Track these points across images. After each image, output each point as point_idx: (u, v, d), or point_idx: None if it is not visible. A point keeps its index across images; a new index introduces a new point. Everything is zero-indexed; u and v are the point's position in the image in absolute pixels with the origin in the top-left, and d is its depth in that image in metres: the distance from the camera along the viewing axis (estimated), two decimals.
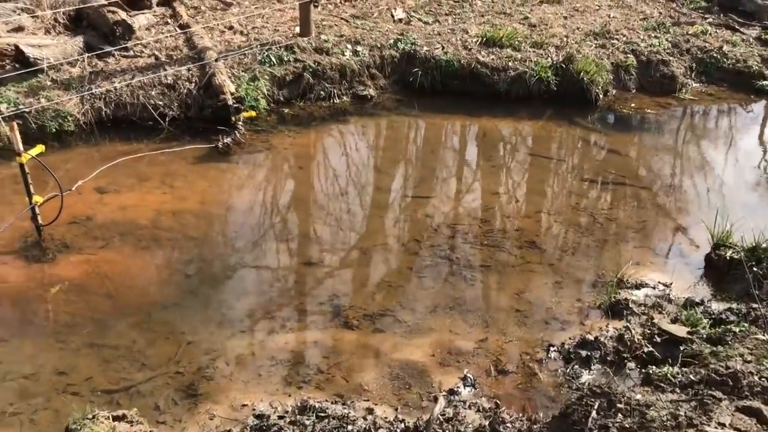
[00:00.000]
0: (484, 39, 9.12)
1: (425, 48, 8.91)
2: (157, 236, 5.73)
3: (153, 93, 7.51)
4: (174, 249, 5.61)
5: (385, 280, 5.29)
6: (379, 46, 8.92)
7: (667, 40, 9.77)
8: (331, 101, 8.37)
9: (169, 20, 8.89)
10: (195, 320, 4.82)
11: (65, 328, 4.67)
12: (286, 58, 8.33)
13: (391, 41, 9.01)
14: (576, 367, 4.49)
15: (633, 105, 8.85)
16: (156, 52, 8.04)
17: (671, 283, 5.33)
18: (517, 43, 9.11)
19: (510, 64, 8.75)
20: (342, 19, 9.62)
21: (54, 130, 7.03)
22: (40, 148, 5.42)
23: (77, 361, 4.37)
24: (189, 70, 7.73)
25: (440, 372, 4.41)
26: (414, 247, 5.75)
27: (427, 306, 5.02)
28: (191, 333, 4.69)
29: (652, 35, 9.91)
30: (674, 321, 4.81)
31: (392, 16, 9.90)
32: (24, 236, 5.57)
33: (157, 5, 9.08)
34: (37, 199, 5.41)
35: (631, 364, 4.49)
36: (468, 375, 4.36)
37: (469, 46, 9.01)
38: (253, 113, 7.62)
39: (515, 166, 7.42)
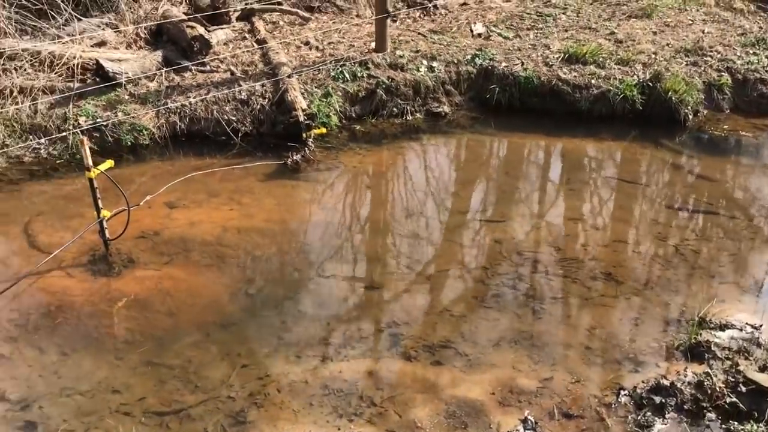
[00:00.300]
0: (567, 55, 8.76)
1: (504, 64, 8.64)
2: (222, 253, 5.71)
3: (227, 108, 7.57)
4: (237, 267, 5.56)
5: (447, 309, 5.06)
6: (455, 61, 8.71)
7: (767, 57, 9.12)
8: (404, 118, 8.22)
9: (247, 35, 8.97)
10: (251, 342, 4.73)
11: (124, 345, 4.67)
12: (359, 74, 8.24)
13: (469, 57, 8.79)
14: (648, 414, 4.12)
15: (726, 126, 8.29)
16: (232, 68, 8.11)
17: (761, 326, 4.86)
18: (601, 59, 8.70)
19: (593, 81, 8.37)
20: (419, 34, 9.47)
21: (129, 143, 7.17)
22: (109, 163, 5.49)
23: (133, 380, 4.35)
24: (263, 85, 7.75)
25: (499, 412, 4.14)
26: (481, 274, 5.49)
27: (490, 339, 4.75)
28: (246, 355, 4.60)
29: (750, 52, 9.27)
30: (763, 369, 4.36)
31: (471, 30, 9.68)
32: (92, 250, 5.66)
33: (237, 20, 9.21)
34: (105, 213, 5.48)
35: (711, 416, 4.09)
36: (529, 417, 4.07)
37: (550, 63, 8.67)
38: (323, 130, 7.56)
39: (595, 190, 7.04)
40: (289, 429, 3.97)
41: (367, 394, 4.24)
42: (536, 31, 9.81)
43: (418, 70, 8.46)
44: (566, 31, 9.84)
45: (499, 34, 9.63)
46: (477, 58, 8.73)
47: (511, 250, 5.82)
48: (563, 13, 10.46)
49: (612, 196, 6.85)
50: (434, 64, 8.61)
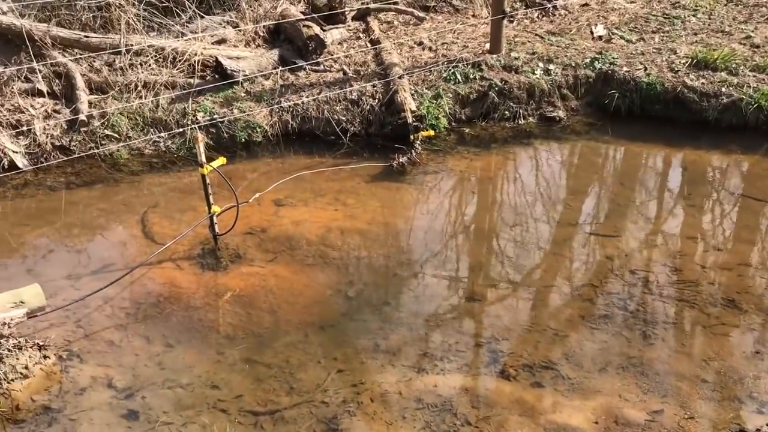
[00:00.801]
0: (695, 60, 8.20)
1: (625, 68, 8.21)
2: (324, 254, 5.73)
3: (337, 108, 7.61)
4: (338, 268, 5.56)
5: (551, 327, 4.83)
6: (573, 64, 8.36)
7: None
8: (516, 122, 7.98)
9: (361, 35, 9.00)
10: (348, 346, 4.71)
11: (226, 341, 4.77)
12: (472, 76, 8.07)
13: (588, 60, 8.41)
14: None
15: None
16: (345, 67, 8.15)
17: None
18: (734, 66, 8.09)
19: (723, 89, 7.78)
20: (536, 35, 9.17)
21: (243, 140, 7.35)
22: (221, 160, 5.63)
23: (231, 377, 4.42)
24: (374, 86, 7.74)
25: None
26: (589, 292, 5.22)
27: (596, 363, 4.49)
28: (343, 360, 4.58)
29: None
30: None
31: (591, 32, 9.26)
32: (202, 243, 5.83)
33: (352, 20, 9.25)
34: (216, 209, 5.62)
35: None
36: None
37: (676, 68, 8.15)
38: (431, 132, 7.45)
39: (720, 207, 6.54)
40: None
41: (461, 411, 4.10)
42: (662, 35, 9.26)
43: (534, 73, 8.18)
44: (695, 34, 9.22)
45: (622, 37, 9.16)
46: (596, 62, 8.35)
47: (623, 267, 5.50)
48: (693, 15, 9.82)
49: (739, 215, 6.35)
50: (551, 66, 8.30)
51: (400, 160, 6.99)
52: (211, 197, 5.58)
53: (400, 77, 7.69)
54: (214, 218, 5.67)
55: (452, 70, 8.07)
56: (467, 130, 7.79)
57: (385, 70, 7.95)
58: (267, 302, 5.17)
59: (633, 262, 5.58)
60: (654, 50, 8.69)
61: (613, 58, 8.42)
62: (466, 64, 8.17)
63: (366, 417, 4.08)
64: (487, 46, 8.53)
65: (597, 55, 8.49)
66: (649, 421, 4.02)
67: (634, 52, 8.63)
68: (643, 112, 8.05)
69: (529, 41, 8.91)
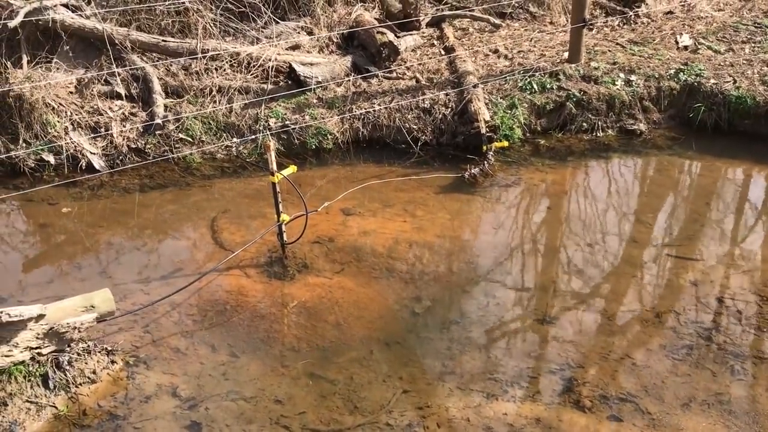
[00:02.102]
0: None
1: (712, 80, 7.81)
2: (392, 267, 5.60)
3: (409, 116, 7.48)
4: (406, 283, 5.43)
5: (629, 356, 4.56)
6: (656, 76, 8.01)
7: None
8: (594, 134, 7.68)
9: (435, 42, 8.86)
10: (414, 366, 4.56)
11: (290, 353, 4.69)
12: (549, 86, 7.82)
13: (672, 71, 8.04)
14: None
15: None
16: (417, 75, 8.02)
17: None
18: None
19: None
20: (617, 44, 8.83)
21: (314, 146, 7.32)
22: (292, 169, 5.58)
23: (295, 391, 4.34)
24: (447, 94, 7.58)
25: None
26: (670, 320, 4.91)
27: (678, 397, 4.20)
28: (408, 380, 4.43)
29: None
30: None
31: (676, 42, 8.86)
32: (270, 251, 5.79)
33: (426, 26, 9.12)
34: (284, 217, 5.57)
35: None
36: None
37: None
38: (505, 143, 7.24)
39: None
40: None
41: None
42: (753, 45, 8.78)
43: (614, 84, 7.86)
44: None
45: (709, 47, 8.72)
46: (681, 73, 7.97)
47: (709, 294, 5.17)
48: None
49: None
50: (632, 77, 7.96)
51: (472, 171, 6.81)
52: (280, 205, 5.54)
53: (474, 86, 7.51)
54: (283, 227, 5.62)
55: (528, 80, 7.84)
56: (542, 142, 7.55)
57: (459, 78, 7.78)
58: (332, 315, 5.07)
59: (719, 288, 5.24)
60: (744, 62, 8.24)
61: (700, 69, 8.02)
62: (543, 73, 7.92)
63: None
64: (566, 54, 8.25)
65: (682, 66, 8.11)
66: None
67: (722, 64, 8.21)
68: (730, 127, 7.64)
69: (609, 50, 8.59)
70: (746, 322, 4.85)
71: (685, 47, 8.75)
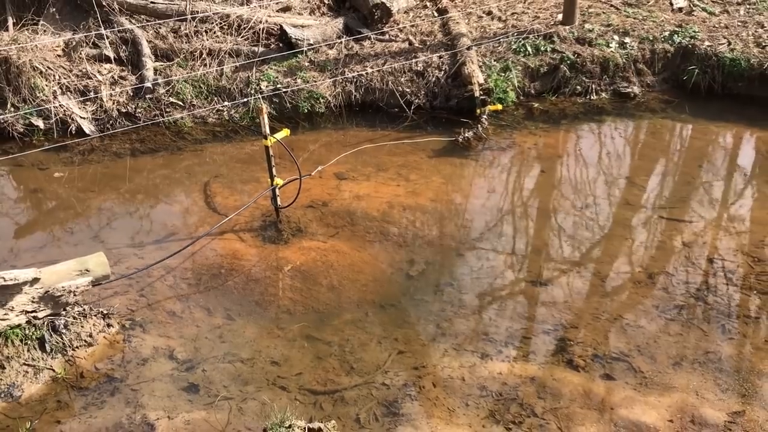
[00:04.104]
0: None
1: (706, 43, 7.77)
2: (386, 230, 5.61)
3: (402, 79, 7.43)
4: (400, 246, 5.44)
5: (622, 317, 4.61)
6: (650, 38, 7.96)
7: None
8: (588, 97, 7.66)
9: (428, 4, 8.75)
10: (409, 327, 4.59)
11: (286, 315, 4.71)
12: (542, 48, 7.77)
13: (666, 33, 7.99)
14: None
15: None
16: (410, 37, 7.93)
17: None
18: None
19: None
20: (612, 6, 8.76)
21: (306, 110, 7.26)
22: (285, 132, 5.54)
23: (291, 353, 4.37)
24: (440, 57, 7.51)
25: None
26: (663, 280, 4.96)
27: (670, 356, 4.26)
28: (403, 341, 4.47)
29: None
30: None
31: (671, 4, 8.79)
32: (264, 215, 5.78)
33: None
34: (278, 181, 5.55)
35: None
36: None
37: (764, 43, 7.66)
38: (499, 106, 7.20)
39: None
40: (442, 428, 3.79)
41: (527, 402, 3.95)
42: (748, 6, 8.73)
43: (608, 46, 7.81)
44: None
45: (704, 9, 8.66)
46: (676, 36, 7.92)
47: (700, 255, 5.21)
48: None
49: None
50: (626, 39, 7.91)
51: (466, 134, 6.79)
52: (273, 169, 5.51)
53: (467, 48, 7.45)
54: (277, 191, 5.60)
55: (522, 42, 7.78)
56: (536, 105, 7.52)
57: (452, 40, 7.70)
58: (327, 278, 5.08)
59: (710, 249, 5.28)
60: (739, 23, 8.20)
61: (694, 31, 7.97)
62: (537, 35, 7.85)
63: (428, 402, 3.96)
64: (560, 17, 8.18)
65: (676, 29, 8.06)
66: (729, 423, 3.79)
67: (716, 26, 8.17)
68: (724, 89, 7.64)
69: (604, 12, 8.51)
70: (737, 282, 4.90)
71: (680, 9, 8.68)
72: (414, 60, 7.51)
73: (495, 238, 5.54)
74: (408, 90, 7.37)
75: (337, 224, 5.68)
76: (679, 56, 7.82)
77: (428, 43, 7.81)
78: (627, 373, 4.14)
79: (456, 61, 7.37)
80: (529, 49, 7.73)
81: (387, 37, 7.94)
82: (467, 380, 4.12)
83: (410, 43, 7.82)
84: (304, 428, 3.43)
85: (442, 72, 7.41)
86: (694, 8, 8.68)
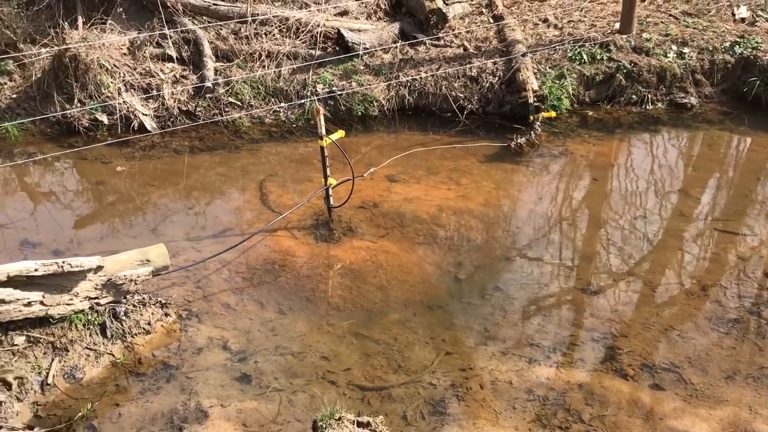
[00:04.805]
0: None
1: None
2: (435, 233, 5.66)
3: (455, 84, 7.47)
4: (449, 249, 5.48)
5: (674, 328, 4.56)
6: (710, 48, 7.83)
7: None
8: (643, 107, 7.58)
9: (483, 10, 8.78)
10: (457, 329, 4.63)
11: (336, 312, 4.80)
12: (599, 56, 7.71)
13: (727, 44, 7.85)
14: None
15: None
16: (465, 43, 7.97)
17: None
18: None
19: None
20: (671, 15, 8.64)
21: (360, 113, 7.37)
22: (340, 134, 5.64)
23: (340, 349, 4.45)
24: (495, 63, 7.53)
25: None
26: (716, 293, 4.88)
27: (723, 370, 4.20)
28: (451, 343, 4.51)
29: None
30: None
31: (733, 14, 8.63)
32: (316, 214, 5.89)
33: None
34: (331, 181, 5.65)
35: None
36: None
37: None
38: (552, 113, 7.19)
39: None
40: (488, 430, 3.82)
41: (575, 408, 3.95)
42: None
43: (666, 56, 7.71)
44: None
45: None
46: (737, 46, 7.78)
47: (756, 269, 5.12)
48: None
49: None
50: (685, 50, 7.80)
51: (518, 140, 6.79)
52: (328, 169, 5.61)
53: (522, 55, 7.45)
54: (330, 191, 5.71)
55: (578, 50, 7.74)
56: (590, 113, 7.48)
57: (508, 47, 7.72)
58: (376, 277, 5.16)
59: (767, 263, 5.18)
60: None
61: (757, 42, 7.81)
62: (594, 43, 7.81)
63: (475, 403, 4.00)
64: (617, 25, 8.11)
65: (738, 39, 7.91)
66: None
67: None
68: None
69: (662, 22, 8.41)
70: None
71: (742, 19, 8.51)
72: (468, 65, 7.54)
73: (544, 244, 5.54)
74: (461, 95, 7.41)
75: (387, 225, 5.75)
76: (740, 67, 7.68)
77: (483, 49, 7.83)
78: (677, 385, 4.10)
79: (511, 68, 7.38)
80: (584, 57, 7.69)
81: (442, 42, 8.00)
82: (514, 384, 4.14)
83: (465, 49, 7.86)
84: (354, 422, 3.50)
85: (497, 78, 7.43)
86: (757, 19, 8.51)
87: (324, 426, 3.48)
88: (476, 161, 6.70)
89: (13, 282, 3.96)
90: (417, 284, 5.10)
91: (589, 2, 9.02)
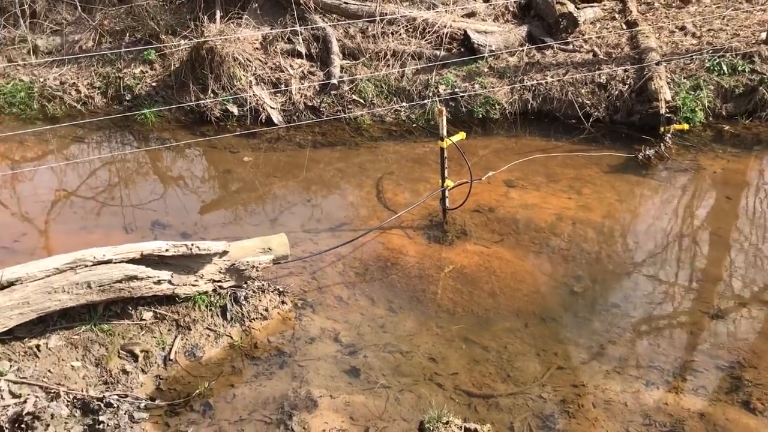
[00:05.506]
0: None
1: None
2: (552, 243, 5.52)
3: (582, 91, 7.26)
4: (566, 260, 5.33)
5: None
6: None
7: None
8: None
9: (616, 15, 8.48)
10: (570, 344, 4.49)
11: (445, 315, 4.78)
12: (740, 68, 7.26)
13: None
14: None
15: None
16: (595, 48, 7.73)
17: None
18: None
19: None
20: None
21: (481, 116, 7.30)
22: (461, 135, 5.61)
23: (448, 352, 4.43)
24: (625, 70, 7.26)
25: None
26: None
27: None
28: (563, 357, 4.38)
29: None
30: None
31: None
32: (431, 215, 5.89)
33: None
34: (449, 183, 5.63)
35: None
36: None
37: None
38: (685, 126, 6.84)
39: None
40: None
41: None
42: None
43: None
44: None
45: None
46: None
47: None
48: None
49: None
50: None
51: (647, 152, 6.51)
52: (446, 171, 5.60)
53: (656, 63, 7.13)
54: (446, 192, 5.69)
55: (717, 60, 7.32)
56: (727, 128, 7.05)
57: (640, 54, 7.41)
58: (489, 284, 5.09)
59: None
60: None
61: None
62: (735, 54, 7.35)
63: (586, 422, 3.86)
64: (763, 35, 7.60)
65: None
66: None
67: None
68: None
69: None
70: None
71: None
72: (597, 72, 7.30)
73: (669, 262, 5.27)
74: (588, 102, 7.19)
75: (503, 231, 5.67)
76: None
77: (614, 56, 7.56)
78: None
79: (642, 76, 7.08)
80: (724, 68, 7.26)
81: (571, 47, 7.79)
82: (630, 406, 3.96)
83: (594, 55, 7.62)
84: (461, 427, 3.47)
85: (626, 86, 7.15)
86: None
87: (431, 428, 3.48)
88: (599, 171, 6.48)
89: (145, 260, 4.21)
90: (530, 294, 4.99)
91: (732, 10, 8.51)
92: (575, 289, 5.03)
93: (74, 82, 8.02)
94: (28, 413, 3.56)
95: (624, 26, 8.15)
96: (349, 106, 7.39)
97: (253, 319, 4.56)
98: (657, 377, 4.16)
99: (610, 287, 5.05)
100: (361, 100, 7.42)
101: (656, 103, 6.78)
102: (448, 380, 4.20)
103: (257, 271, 4.61)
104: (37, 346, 4.05)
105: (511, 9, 8.32)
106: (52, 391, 3.80)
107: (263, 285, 4.77)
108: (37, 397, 3.72)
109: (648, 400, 3.99)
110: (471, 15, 8.22)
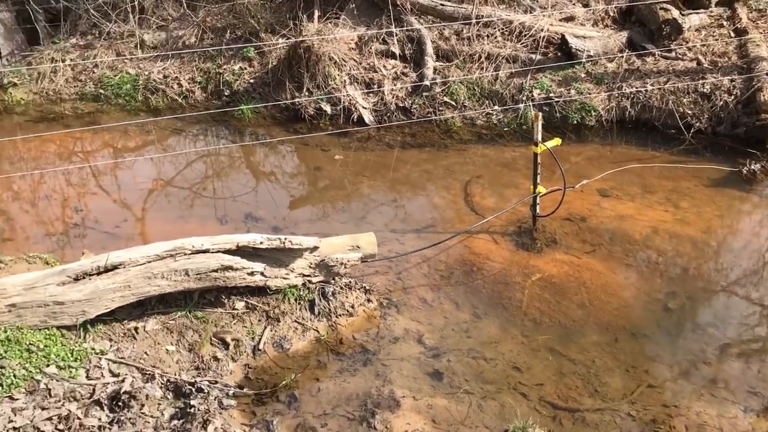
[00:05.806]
0: None
1: None
2: (647, 256, 5.34)
3: (684, 100, 6.98)
4: (660, 275, 5.14)
5: None
6: None
7: None
8: None
9: (724, 23, 8.11)
10: (662, 362, 4.33)
11: (531, 324, 4.70)
12: None
13: None
14: None
15: None
16: (699, 56, 7.42)
17: None
18: None
19: None
20: None
21: (575, 122, 7.14)
22: (556, 141, 5.50)
23: (534, 362, 4.35)
24: (732, 80, 6.93)
25: None
26: None
27: None
28: (654, 375, 4.22)
29: None
30: None
31: None
32: (519, 221, 5.80)
33: (716, 5, 8.37)
34: (541, 189, 5.53)
35: None
36: None
37: None
38: None
39: None
40: None
41: None
42: None
43: None
44: None
45: None
46: None
47: None
48: None
49: None
50: None
51: (752, 167, 6.20)
52: (538, 177, 5.51)
53: (767, 74, 6.77)
54: (538, 199, 5.59)
55: None
56: None
57: (749, 63, 7.06)
58: (578, 295, 4.97)
59: None
60: None
61: None
62: None
63: None
64: None
65: None
66: None
67: None
68: None
69: None
70: None
71: None
72: (701, 81, 7.01)
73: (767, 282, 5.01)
74: (689, 112, 6.91)
75: (595, 242, 5.52)
76: None
77: (719, 65, 7.24)
78: None
79: (750, 87, 6.75)
80: None
81: (673, 54, 7.51)
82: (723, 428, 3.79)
83: (699, 63, 7.32)
84: None
85: (732, 96, 6.83)
86: None
87: None
88: (699, 184, 6.22)
89: (240, 251, 4.33)
90: (621, 308, 4.84)
91: None
92: (669, 305, 4.84)
93: (176, 76, 8.35)
94: (125, 392, 3.73)
95: (732, 34, 7.79)
96: (440, 108, 7.38)
97: (340, 315, 4.62)
98: (756, 404, 3.96)
99: (706, 306, 4.84)
100: (453, 102, 7.40)
101: (765, 116, 6.44)
102: (532, 390, 4.13)
103: (345, 268, 4.66)
104: (135, 329, 4.23)
105: (611, 14, 8.09)
106: (148, 372, 3.96)
107: (350, 282, 4.82)
108: (133, 377, 3.89)
109: (746, 427, 3.80)
110: (569, 19, 8.05)
